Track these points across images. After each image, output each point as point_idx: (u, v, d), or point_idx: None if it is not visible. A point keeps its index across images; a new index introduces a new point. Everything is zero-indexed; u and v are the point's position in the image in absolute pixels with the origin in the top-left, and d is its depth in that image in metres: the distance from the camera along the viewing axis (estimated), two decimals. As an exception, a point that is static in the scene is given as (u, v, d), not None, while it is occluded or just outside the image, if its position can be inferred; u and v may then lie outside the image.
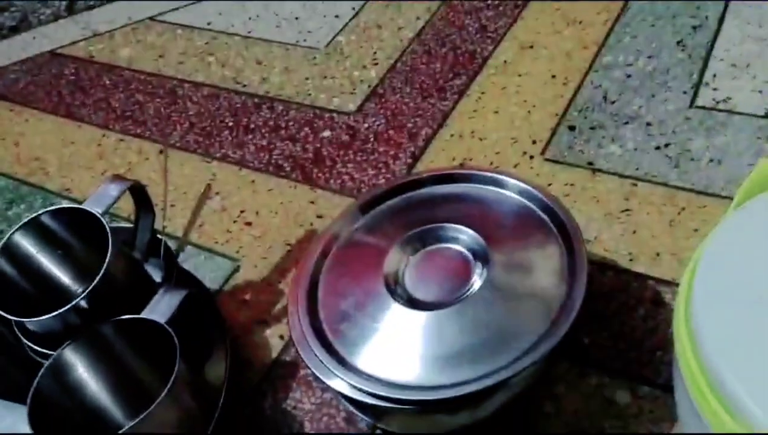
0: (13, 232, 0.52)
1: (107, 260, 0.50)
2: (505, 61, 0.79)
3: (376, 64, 0.84)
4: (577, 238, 0.49)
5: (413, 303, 0.49)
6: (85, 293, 0.49)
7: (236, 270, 0.66)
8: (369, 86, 0.81)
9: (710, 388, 0.38)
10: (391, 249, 0.52)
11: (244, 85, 0.86)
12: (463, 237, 0.52)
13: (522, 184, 0.54)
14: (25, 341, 0.52)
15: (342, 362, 0.47)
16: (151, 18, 1.02)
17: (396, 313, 0.49)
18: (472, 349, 0.46)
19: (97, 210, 0.52)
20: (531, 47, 0.80)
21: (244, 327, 0.61)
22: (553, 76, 0.76)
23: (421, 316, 0.48)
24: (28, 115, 0.90)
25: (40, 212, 0.54)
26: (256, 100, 0.84)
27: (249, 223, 0.70)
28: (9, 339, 0.54)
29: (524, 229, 0.52)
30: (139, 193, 0.56)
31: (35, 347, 0.52)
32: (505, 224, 0.53)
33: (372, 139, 0.75)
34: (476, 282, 0.49)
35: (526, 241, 0.51)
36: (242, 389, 0.56)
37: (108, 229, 0.51)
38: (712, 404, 0.37)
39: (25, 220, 0.53)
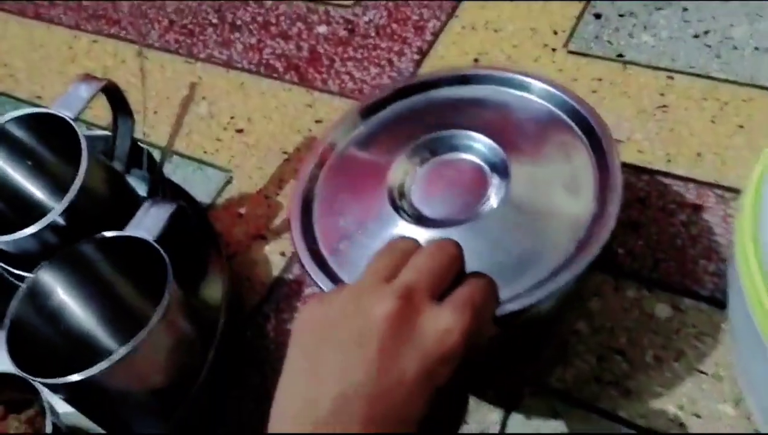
0: None
1: (82, 170, 0.44)
2: (520, -57, 0.71)
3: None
4: (610, 148, 0.42)
5: (421, 220, 0.43)
6: (61, 208, 0.43)
7: (229, 181, 0.60)
8: (368, -27, 0.73)
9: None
10: (396, 159, 0.45)
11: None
12: (478, 145, 0.45)
13: (544, 85, 0.46)
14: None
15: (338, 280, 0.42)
16: None
17: (402, 230, 0.42)
18: (489, 272, 0.40)
19: (67, 114, 0.46)
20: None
21: (241, 243, 0.55)
22: (575, -43, 0.67)
23: (430, 235, 0.41)
24: (-9, 16, 0.82)
25: (3, 119, 0.47)
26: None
27: (240, 130, 0.63)
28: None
29: (548, 136, 0.45)
30: (114, 94, 0.49)
31: (9, 269, 0.47)
32: (526, 131, 0.46)
33: (373, 34, 0.67)
34: (493, 197, 0.42)
35: (549, 150, 0.44)
36: (242, 310, 0.52)
37: (80, 135, 0.45)
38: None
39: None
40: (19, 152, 0.48)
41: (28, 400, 0.45)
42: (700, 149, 0.51)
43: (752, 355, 0.37)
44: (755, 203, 0.35)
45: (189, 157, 0.62)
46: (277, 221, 0.56)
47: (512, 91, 0.48)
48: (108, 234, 0.43)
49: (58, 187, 0.50)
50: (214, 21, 0.73)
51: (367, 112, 0.50)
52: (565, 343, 0.45)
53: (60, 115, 0.45)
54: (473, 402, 0.44)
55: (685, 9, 0.60)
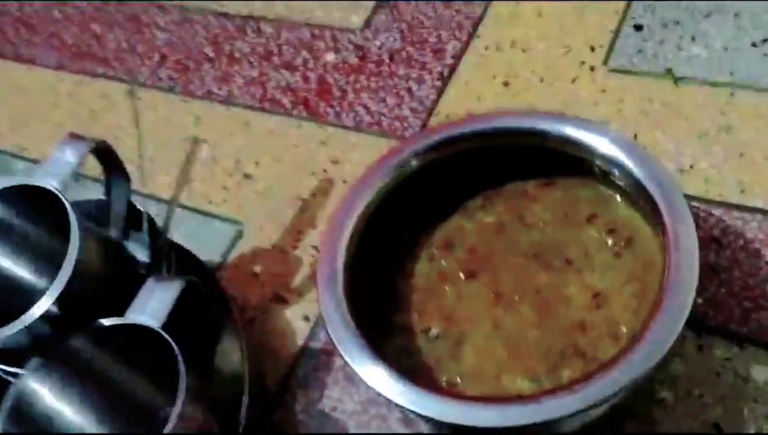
0: None
1: (73, 250, 0.37)
2: (541, -49, 0.65)
3: (381, -35, 0.69)
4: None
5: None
6: (53, 296, 0.37)
7: (239, 235, 0.53)
8: (376, -8, 0.67)
9: None
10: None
11: (221, 5, 0.71)
12: None
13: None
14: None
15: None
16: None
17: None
18: None
19: (52, 184, 0.39)
20: (571, -69, 0.65)
21: (258, 307, 0.49)
22: (606, -38, 0.61)
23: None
24: (-33, 60, 0.75)
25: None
26: (238, 22, 0.69)
27: (248, 176, 0.57)
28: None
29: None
30: (105, 154, 0.43)
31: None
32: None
33: (387, 60, 0.61)
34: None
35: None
36: (266, 389, 0.45)
37: (70, 209, 0.38)
38: None
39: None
40: (3, 229, 0.42)
41: None
42: (777, 175, 0.45)
43: None
44: None
45: (193, 210, 0.56)
46: (297, 280, 0.50)
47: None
48: (106, 322, 0.37)
49: (49, 266, 0.43)
50: (211, 54, 0.67)
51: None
52: (650, 416, 0.38)
53: (46, 187, 0.39)
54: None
55: (737, 15, 0.54)
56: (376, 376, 0.35)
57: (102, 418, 0.38)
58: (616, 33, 0.56)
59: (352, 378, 0.44)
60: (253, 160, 0.58)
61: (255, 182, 0.56)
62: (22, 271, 0.43)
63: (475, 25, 0.61)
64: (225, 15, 0.70)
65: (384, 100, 0.58)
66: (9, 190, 0.41)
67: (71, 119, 0.66)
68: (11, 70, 0.73)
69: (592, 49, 0.56)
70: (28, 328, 0.37)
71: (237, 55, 0.66)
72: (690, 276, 0.34)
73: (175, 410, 0.34)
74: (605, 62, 0.55)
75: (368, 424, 0.42)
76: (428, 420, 0.36)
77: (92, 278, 0.40)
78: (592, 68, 0.55)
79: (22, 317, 0.37)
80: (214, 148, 0.59)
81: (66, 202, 0.39)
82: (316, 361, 0.46)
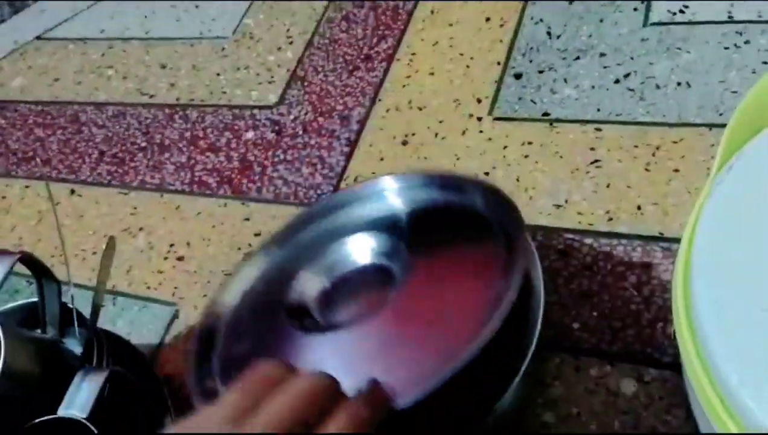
0: None
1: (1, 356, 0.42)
2: (432, 11, 0.70)
3: (291, 42, 0.75)
4: (517, 233, 0.40)
5: (319, 326, 0.42)
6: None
7: (176, 316, 0.58)
8: (287, 70, 0.72)
9: (709, 379, 0.31)
10: (295, 276, 0.45)
11: (152, 96, 0.77)
12: (380, 249, 0.44)
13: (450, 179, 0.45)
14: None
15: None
16: (39, 37, 0.91)
17: (299, 342, 0.41)
18: (394, 369, 0.38)
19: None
20: (457, -10, 0.71)
21: (195, 382, 0.53)
22: (488, 19, 0.67)
23: (327, 339, 0.40)
24: None
25: None
26: (166, 110, 0.74)
27: (181, 258, 0.61)
28: None
29: (453, 230, 0.44)
30: (32, 264, 0.47)
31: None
32: (430, 229, 0.45)
33: (301, 132, 0.66)
34: (391, 295, 0.41)
35: (453, 243, 0.43)
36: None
37: (-4, 322, 0.43)
38: (711, 397, 0.31)
39: None
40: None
41: None
42: (639, 202, 0.50)
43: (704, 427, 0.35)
44: (686, 274, 0.34)
45: (132, 296, 0.60)
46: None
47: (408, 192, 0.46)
48: (37, 421, 0.41)
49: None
50: (143, 144, 0.72)
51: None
52: (535, 438, 0.42)
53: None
54: None
55: (602, 54, 0.59)
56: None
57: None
58: (499, 83, 0.61)
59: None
60: (184, 243, 0.62)
61: (187, 263, 0.61)
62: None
63: (377, 90, 0.66)
64: (155, 105, 0.75)
65: (299, 170, 0.63)
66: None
67: (20, 222, 0.70)
68: (-36, 182, 0.78)
69: (479, 100, 0.61)
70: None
71: (167, 142, 0.71)
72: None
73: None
74: (490, 112, 0.60)
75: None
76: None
77: (26, 379, 0.44)
78: (479, 119, 0.60)
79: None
80: (150, 234, 0.64)
81: (-6, 316, 0.43)
82: None
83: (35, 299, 0.50)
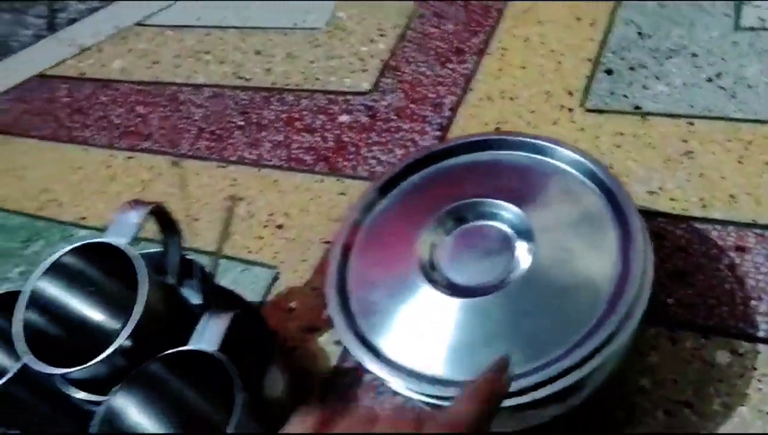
0: (37, 279, 0.48)
1: (143, 294, 0.46)
2: (522, 10, 0.74)
3: (383, 35, 0.79)
4: (630, 209, 0.43)
5: (453, 288, 0.44)
6: (127, 332, 0.45)
7: (276, 278, 0.61)
8: (380, 60, 0.76)
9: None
10: (422, 230, 0.47)
11: (248, 80, 0.81)
12: (502, 212, 0.46)
13: (559, 148, 0.48)
14: (69, 391, 0.49)
15: (390, 363, 0.43)
16: (138, 23, 0.97)
17: (435, 301, 0.44)
18: (526, 338, 0.41)
19: (121, 241, 0.48)
20: (547, -8, 0.74)
21: (297, 337, 0.57)
22: (578, 19, 0.70)
23: (463, 304, 0.43)
24: (28, 145, 0.86)
25: (60, 253, 0.49)
26: (263, 93, 0.79)
27: (280, 226, 0.65)
28: (52, 389, 0.50)
29: (569, 199, 0.46)
30: (161, 215, 0.52)
31: (81, 396, 0.48)
32: (547, 195, 0.47)
33: (394, 117, 0.70)
34: (520, 263, 0.44)
35: (573, 215, 0.45)
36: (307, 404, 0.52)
37: (137, 261, 0.47)
38: None
39: (47, 263, 0.49)
40: (79, 280, 0.50)
41: None
42: (732, 191, 0.52)
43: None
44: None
45: (235, 259, 0.64)
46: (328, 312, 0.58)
47: (528, 154, 0.49)
48: (173, 351, 0.45)
49: (117, 309, 0.52)
50: (240, 123, 0.77)
51: (386, 187, 0.51)
52: (632, 402, 0.45)
53: (116, 244, 0.48)
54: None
55: (694, 54, 0.62)
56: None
57: (175, 429, 0.46)
58: (590, 78, 0.64)
59: (378, 388, 0.51)
60: (283, 213, 0.66)
61: (286, 231, 0.65)
62: (96, 314, 0.51)
63: (468, 81, 0.70)
64: (251, 88, 0.80)
65: (392, 151, 0.67)
66: (85, 247, 0.49)
67: (125, 190, 0.75)
68: (67, 152, 0.83)
69: (570, 93, 0.64)
70: (107, 359, 0.45)
71: (264, 122, 0.76)
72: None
73: (233, 421, 0.42)
74: (582, 104, 0.63)
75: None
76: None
77: (156, 317, 0.48)
78: (570, 110, 0.63)
79: (105, 351, 0.45)
80: (250, 204, 0.68)
81: (134, 255, 0.47)
82: (348, 377, 0.53)
83: (156, 250, 0.54)
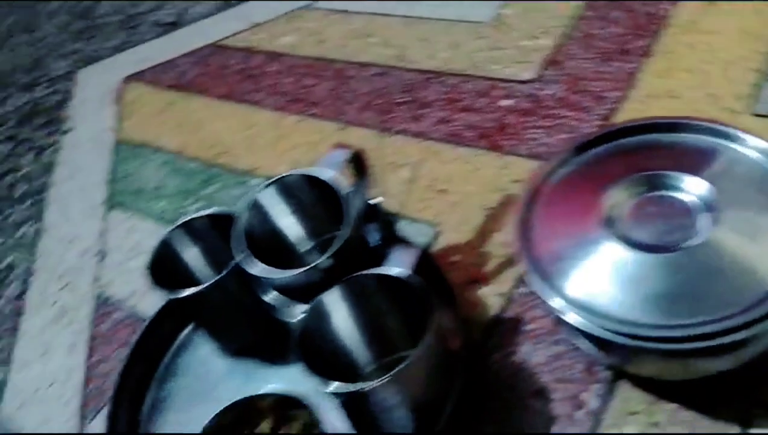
0: (259, 191, 0.55)
1: (351, 218, 0.52)
2: (688, 20, 0.77)
3: (547, 33, 0.83)
4: None
5: (633, 244, 0.48)
6: (333, 250, 0.51)
7: (438, 235, 0.67)
8: (543, 54, 0.81)
9: None
10: (610, 190, 0.51)
11: (411, 62, 0.87)
12: (689, 186, 0.50)
13: (754, 138, 0.51)
14: (267, 295, 0.55)
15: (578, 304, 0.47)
16: (307, 7, 1.05)
17: (616, 254, 0.48)
18: (706, 295, 0.44)
19: (330, 174, 0.55)
20: (713, 3, 0.77)
21: (457, 287, 0.61)
22: (745, 32, 0.73)
23: (642, 258, 0.47)
24: (204, 102, 0.95)
25: (281, 176, 0.56)
26: (426, 75, 0.85)
27: (443, 191, 0.70)
28: (249, 295, 0.56)
29: (759, 187, 0.49)
30: (359, 159, 0.58)
31: (271, 298, 0.54)
32: (737, 179, 0.50)
33: (555, 105, 0.74)
34: (701, 232, 0.47)
35: (760, 199, 0.48)
36: (471, 349, 0.57)
37: (342, 193, 0.53)
38: None
39: (268, 182, 0.56)
40: (289, 203, 0.57)
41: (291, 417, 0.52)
42: None
43: None
44: None
45: (400, 215, 0.70)
46: (489, 267, 0.62)
47: (715, 139, 0.53)
48: (373, 271, 0.51)
49: (314, 234, 0.59)
50: (404, 100, 0.83)
51: (580, 149, 0.56)
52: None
53: (323, 177, 0.54)
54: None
55: None
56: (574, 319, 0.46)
57: (369, 338, 0.51)
58: (759, 86, 0.67)
59: (539, 339, 0.55)
60: (446, 180, 0.71)
61: (449, 196, 0.70)
62: (297, 233, 0.58)
63: (632, 78, 0.73)
64: (414, 70, 0.86)
65: (553, 135, 0.71)
66: (298, 176, 0.56)
67: (295, 148, 0.82)
68: (240, 111, 0.92)
69: (737, 98, 0.67)
70: (310, 272, 0.51)
71: (427, 100, 0.81)
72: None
73: (429, 334, 0.46)
74: (749, 109, 0.65)
75: (555, 371, 0.53)
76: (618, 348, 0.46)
77: (352, 245, 0.54)
78: (737, 113, 0.65)
79: (317, 262, 0.51)
80: (413, 171, 0.74)
81: (340, 186, 0.53)
82: (508, 327, 0.57)
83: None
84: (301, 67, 0.94)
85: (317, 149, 0.82)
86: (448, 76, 0.83)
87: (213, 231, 0.60)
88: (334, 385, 0.46)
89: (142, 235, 0.79)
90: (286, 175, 0.56)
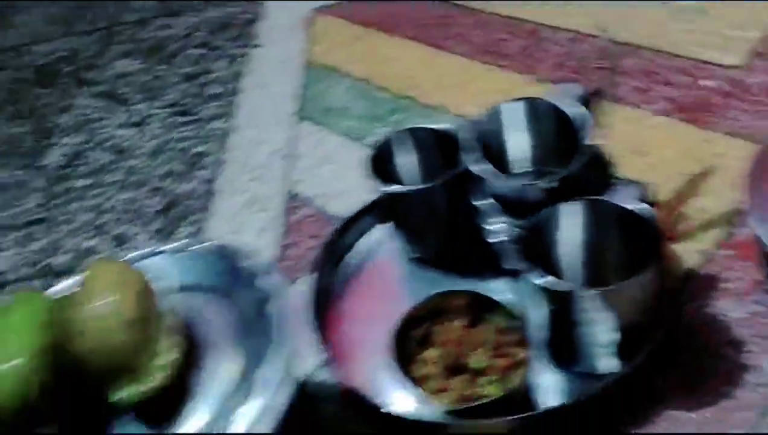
0: (501, 105, 0.60)
1: (584, 151, 0.55)
2: None
3: (754, 25, 0.83)
4: None
5: None
6: (561, 174, 0.54)
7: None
8: (750, 44, 0.81)
9: None
10: None
11: (608, 34, 0.89)
12: None
13: None
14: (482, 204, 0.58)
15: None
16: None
17: None
18: None
19: (575, 108, 0.57)
20: None
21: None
22: None
23: None
24: (395, 41, 0.99)
25: (520, 98, 0.60)
26: (623, 48, 0.86)
27: (638, 152, 0.72)
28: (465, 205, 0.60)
29: None
30: (595, 97, 0.60)
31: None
32: None
33: (762, 94, 0.75)
34: None
35: None
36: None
37: (579, 118, 0.56)
38: None
39: (518, 98, 0.60)
40: (525, 126, 0.60)
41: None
42: None
43: None
44: None
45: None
46: (686, 228, 0.64)
47: None
48: (612, 199, 0.53)
49: (536, 160, 0.62)
50: (598, 65, 0.84)
51: None
52: None
53: (567, 109, 0.57)
54: None
55: None
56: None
57: (586, 262, 0.54)
58: None
59: (738, 296, 0.56)
60: (641, 142, 0.73)
61: (644, 157, 0.71)
62: (524, 156, 0.61)
63: None
64: (611, 41, 0.88)
65: (758, 121, 0.72)
66: (541, 103, 0.59)
67: (483, 93, 0.85)
68: (429, 53, 0.95)
69: None
70: (535, 189, 0.54)
71: (623, 69, 0.83)
72: None
73: (654, 261, 0.49)
74: None
75: (753, 326, 0.54)
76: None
77: (580, 174, 0.56)
78: None
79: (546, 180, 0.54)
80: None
81: (577, 114, 0.56)
82: (705, 282, 0.59)
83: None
84: (494, 23, 0.97)
85: (507, 97, 0.84)
86: (647, 50, 0.85)
87: (434, 145, 0.63)
88: (550, 280, 0.48)
89: (332, 147, 0.84)
90: (532, 98, 0.59)
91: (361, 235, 0.69)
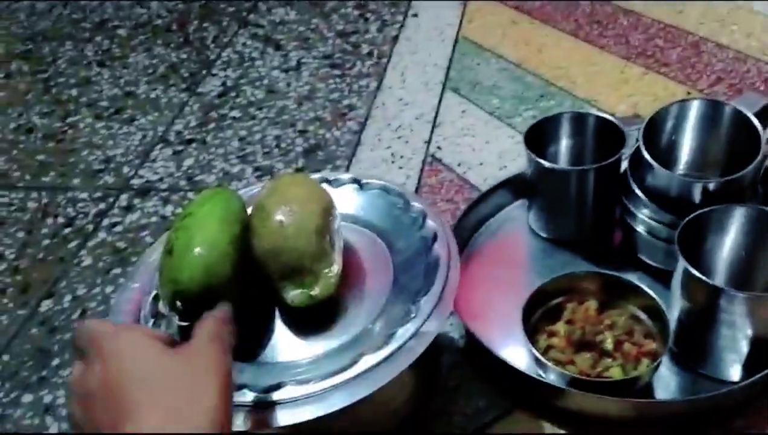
0: (678, 102, 0.60)
1: (761, 158, 0.55)
2: None
3: None
4: None
5: None
6: (730, 177, 0.55)
7: None
8: None
9: None
10: None
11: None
12: None
13: None
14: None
15: None
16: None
17: None
18: None
19: (749, 112, 0.57)
20: None
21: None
22: None
23: None
24: (550, 30, 1.00)
25: (709, 98, 0.61)
26: (781, 71, 0.84)
27: None
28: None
29: None
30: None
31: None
32: None
33: None
34: None
35: None
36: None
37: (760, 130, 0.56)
38: None
39: (694, 97, 0.60)
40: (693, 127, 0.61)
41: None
42: None
43: None
44: None
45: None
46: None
47: None
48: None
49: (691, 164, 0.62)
50: (759, 87, 0.83)
51: None
52: None
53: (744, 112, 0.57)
54: None
55: None
56: None
57: (734, 266, 0.55)
58: None
59: None
60: None
61: None
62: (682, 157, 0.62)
63: None
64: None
65: None
66: (719, 106, 0.59)
67: (636, 94, 0.86)
68: (583, 48, 0.96)
69: None
70: (698, 187, 0.55)
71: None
72: None
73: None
74: None
75: None
76: None
77: (748, 179, 0.56)
78: None
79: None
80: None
81: (756, 124, 0.56)
82: None
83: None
84: (653, 28, 0.97)
85: (662, 103, 0.84)
86: (807, 77, 0.83)
87: (590, 132, 0.65)
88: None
89: (475, 121, 0.86)
90: (714, 100, 0.59)
91: (500, 208, 0.71)
